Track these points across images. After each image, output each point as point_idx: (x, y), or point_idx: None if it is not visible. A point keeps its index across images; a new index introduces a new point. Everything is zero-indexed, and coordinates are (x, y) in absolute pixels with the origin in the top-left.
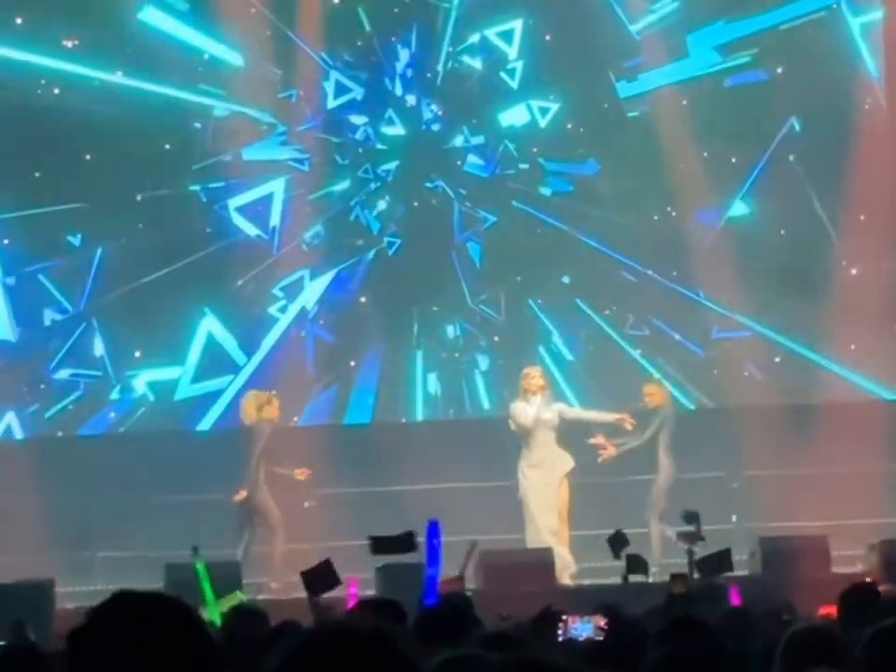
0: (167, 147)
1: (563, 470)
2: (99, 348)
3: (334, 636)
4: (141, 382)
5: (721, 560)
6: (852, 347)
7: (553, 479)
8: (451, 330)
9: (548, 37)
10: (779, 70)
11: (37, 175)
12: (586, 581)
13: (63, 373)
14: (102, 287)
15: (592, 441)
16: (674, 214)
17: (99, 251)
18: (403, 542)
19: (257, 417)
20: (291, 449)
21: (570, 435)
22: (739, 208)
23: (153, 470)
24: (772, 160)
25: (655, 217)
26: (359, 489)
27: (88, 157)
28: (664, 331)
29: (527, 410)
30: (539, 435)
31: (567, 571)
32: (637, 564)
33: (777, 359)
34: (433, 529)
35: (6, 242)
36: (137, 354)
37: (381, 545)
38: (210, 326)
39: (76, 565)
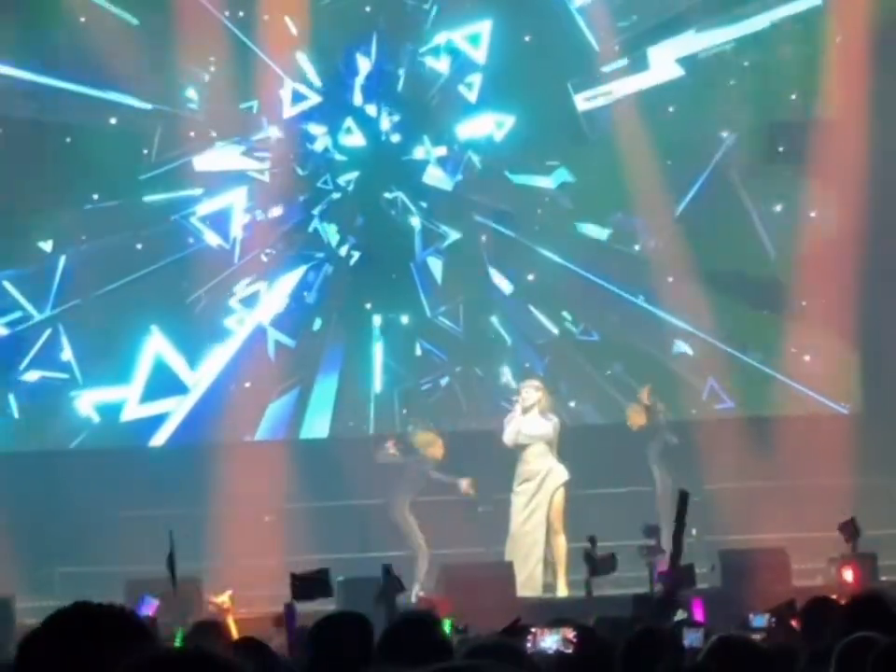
0: (144, 152)
1: (556, 482)
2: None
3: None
4: (86, 402)
5: (685, 575)
6: (806, 359)
7: (545, 492)
8: (410, 343)
9: (513, 43)
10: (731, 83)
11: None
12: (546, 595)
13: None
14: (59, 299)
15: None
16: (629, 224)
17: (62, 260)
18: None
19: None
20: (249, 464)
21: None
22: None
23: (112, 486)
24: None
25: (610, 229)
26: (319, 504)
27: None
28: (622, 342)
29: (511, 425)
30: (532, 447)
31: (531, 588)
32: (605, 563)
33: (734, 372)
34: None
35: None
36: (84, 370)
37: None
38: (159, 344)
39: (35, 581)
